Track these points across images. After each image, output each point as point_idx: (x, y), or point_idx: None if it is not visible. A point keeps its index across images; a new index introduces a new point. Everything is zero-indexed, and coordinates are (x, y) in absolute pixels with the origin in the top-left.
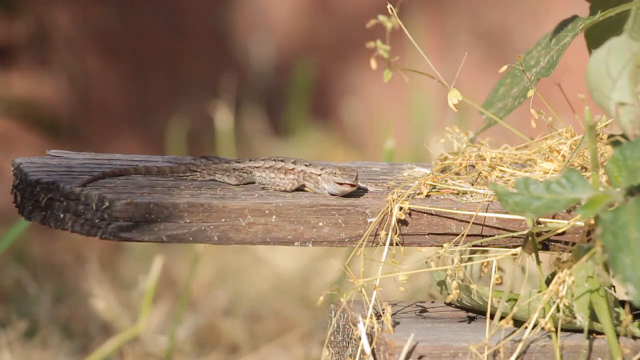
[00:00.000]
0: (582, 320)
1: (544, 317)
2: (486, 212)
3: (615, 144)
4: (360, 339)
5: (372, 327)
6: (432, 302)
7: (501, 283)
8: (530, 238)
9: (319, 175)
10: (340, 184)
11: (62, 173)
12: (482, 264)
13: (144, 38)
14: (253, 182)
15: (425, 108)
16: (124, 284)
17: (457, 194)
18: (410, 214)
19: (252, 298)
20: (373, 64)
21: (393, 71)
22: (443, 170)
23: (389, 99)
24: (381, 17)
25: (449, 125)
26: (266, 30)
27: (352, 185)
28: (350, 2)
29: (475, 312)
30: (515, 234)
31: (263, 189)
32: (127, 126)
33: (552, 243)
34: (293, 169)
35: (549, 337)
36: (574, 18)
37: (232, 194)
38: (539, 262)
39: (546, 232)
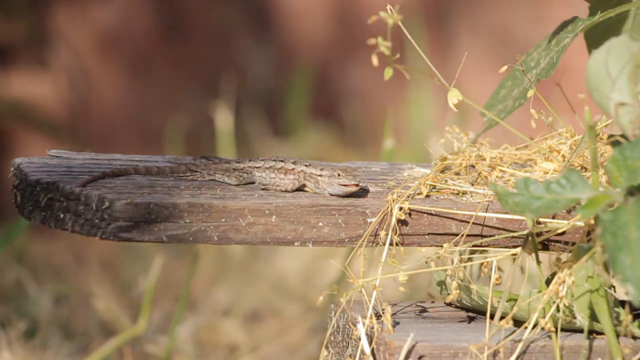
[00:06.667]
0: (582, 320)
1: (544, 317)
2: (486, 212)
3: (615, 144)
4: (360, 339)
5: (372, 327)
6: (432, 302)
7: (500, 283)
8: (530, 238)
9: (319, 175)
10: (345, 185)
11: (62, 173)
12: (482, 264)
13: (143, 38)
14: (253, 182)
15: (425, 108)
16: (124, 284)
17: (457, 194)
18: (410, 214)
19: (252, 298)
20: (375, 60)
21: (393, 70)
22: (443, 171)
23: (388, 99)
24: (382, 14)
25: (449, 125)
26: (266, 30)
27: (356, 186)
28: (350, 1)
29: (475, 312)
30: (515, 234)
31: (264, 189)
32: (126, 126)
33: (552, 243)
34: (293, 169)
35: (549, 337)
36: (574, 19)
37: (232, 194)
38: (538, 262)
39: (546, 232)
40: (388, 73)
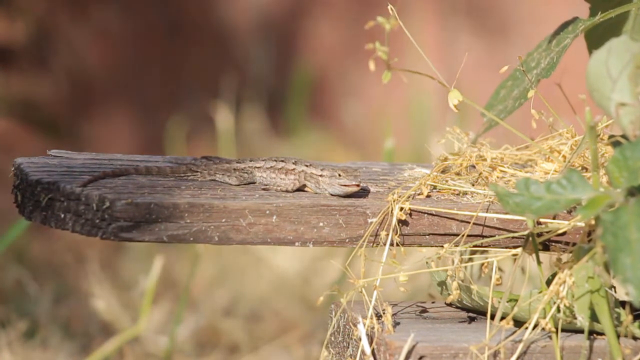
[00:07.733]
0: (582, 320)
1: (544, 317)
2: (487, 212)
3: (616, 144)
4: (360, 339)
5: (373, 328)
6: (433, 302)
7: (501, 283)
8: (530, 238)
9: (320, 175)
10: (346, 185)
11: (62, 173)
12: (483, 264)
13: (144, 38)
14: (254, 183)
15: (426, 108)
16: (124, 284)
17: (458, 194)
18: (410, 215)
19: (252, 298)
20: (372, 65)
21: (393, 72)
22: (444, 171)
23: (389, 100)
24: (380, 19)
25: (449, 126)
26: (266, 30)
27: (357, 186)
28: (351, 1)
29: (475, 313)
30: (515, 235)
31: (264, 189)
32: (127, 126)
33: (553, 243)
34: (294, 169)
35: (550, 337)
36: (574, 20)
37: (233, 194)
38: (539, 262)
39: (547, 232)
40: (386, 77)
